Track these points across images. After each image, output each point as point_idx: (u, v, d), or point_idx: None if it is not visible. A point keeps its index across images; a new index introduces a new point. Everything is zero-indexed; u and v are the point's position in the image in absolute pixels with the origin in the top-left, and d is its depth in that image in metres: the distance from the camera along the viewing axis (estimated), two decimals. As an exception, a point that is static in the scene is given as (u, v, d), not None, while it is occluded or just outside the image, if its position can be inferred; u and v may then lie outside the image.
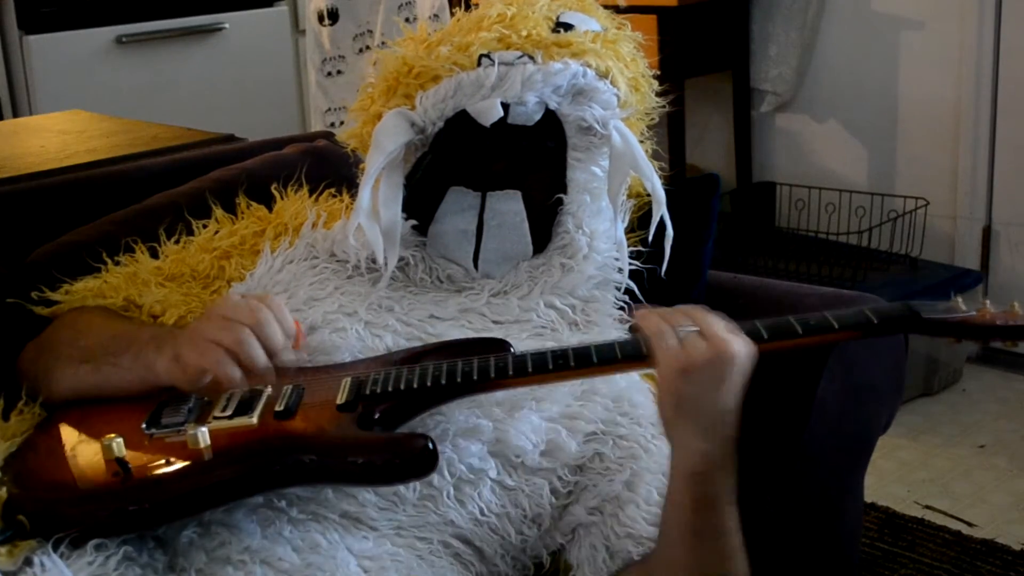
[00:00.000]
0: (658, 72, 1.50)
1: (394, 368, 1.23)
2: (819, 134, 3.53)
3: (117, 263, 1.50)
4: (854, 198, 3.33)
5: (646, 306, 1.40)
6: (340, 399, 1.20)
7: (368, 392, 1.20)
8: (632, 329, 1.17)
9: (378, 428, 1.17)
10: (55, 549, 1.10)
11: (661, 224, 1.43)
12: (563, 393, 1.30)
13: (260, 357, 1.19)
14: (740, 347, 1.12)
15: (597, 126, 1.38)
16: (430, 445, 1.12)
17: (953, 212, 3.28)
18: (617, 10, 1.53)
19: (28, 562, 1.09)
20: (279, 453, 1.16)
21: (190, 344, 1.20)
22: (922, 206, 3.21)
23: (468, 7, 1.61)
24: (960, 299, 1.20)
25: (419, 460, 1.12)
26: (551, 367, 1.18)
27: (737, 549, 1.15)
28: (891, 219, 3.22)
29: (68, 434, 1.26)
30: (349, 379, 1.23)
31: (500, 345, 1.25)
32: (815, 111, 3.53)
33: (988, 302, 1.19)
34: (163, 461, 1.16)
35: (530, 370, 1.19)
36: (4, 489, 1.16)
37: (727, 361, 1.11)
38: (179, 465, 1.15)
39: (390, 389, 1.20)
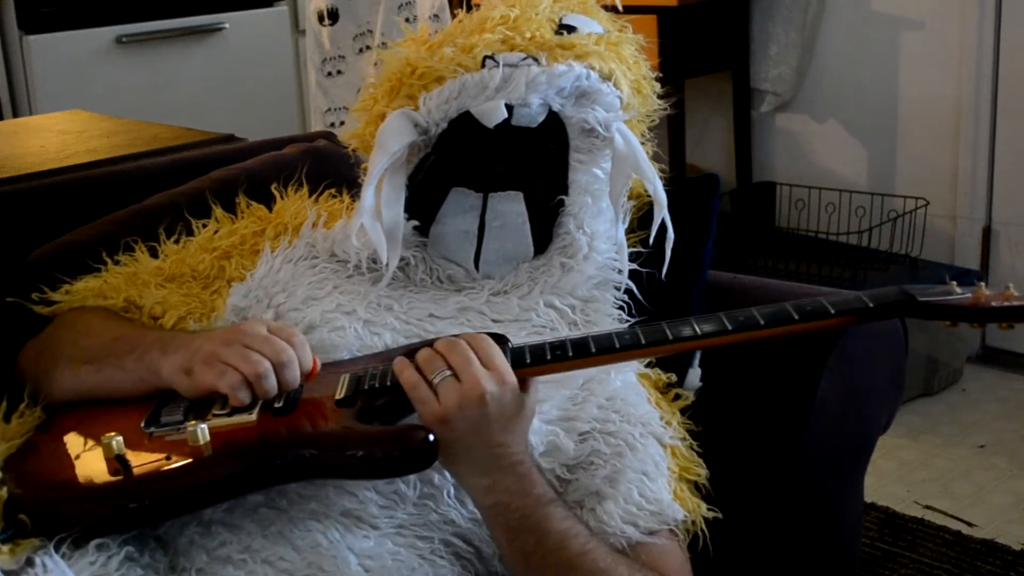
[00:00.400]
0: (658, 73, 1.50)
1: (392, 363, 1.23)
2: (819, 134, 3.53)
3: (117, 263, 1.50)
4: (854, 198, 3.33)
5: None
6: (339, 394, 1.20)
7: (367, 387, 1.20)
8: (394, 374, 1.19)
9: (377, 422, 1.18)
10: (57, 549, 1.10)
11: (661, 226, 1.43)
12: (561, 398, 1.30)
13: (274, 390, 1.20)
14: (493, 385, 1.14)
15: (600, 128, 1.38)
16: (430, 438, 1.12)
17: (953, 212, 3.28)
18: (623, 10, 1.53)
19: (30, 563, 1.09)
20: (279, 448, 1.16)
21: (206, 364, 1.20)
22: (922, 206, 3.21)
23: (468, 7, 1.61)
24: (955, 283, 1.21)
25: (419, 453, 1.12)
26: (549, 358, 1.19)
27: (577, 556, 1.15)
28: (891, 219, 3.23)
29: (68, 434, 1.26)
30: (348, 375, 1.23)
31: (498, 340, 1.26)
32: (815, 111, 3.53)
33: (983, 285, 1.20)
34: (163, 458, 1.16)
35: (528, 361, 1.20)
36: (5, 489, 1.16)
37: (477, 400, 1.13)
38: (179, 462, 1.15)
39: (388, 383, 1.20)
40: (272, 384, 1.19)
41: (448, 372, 1.14)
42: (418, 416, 1.16)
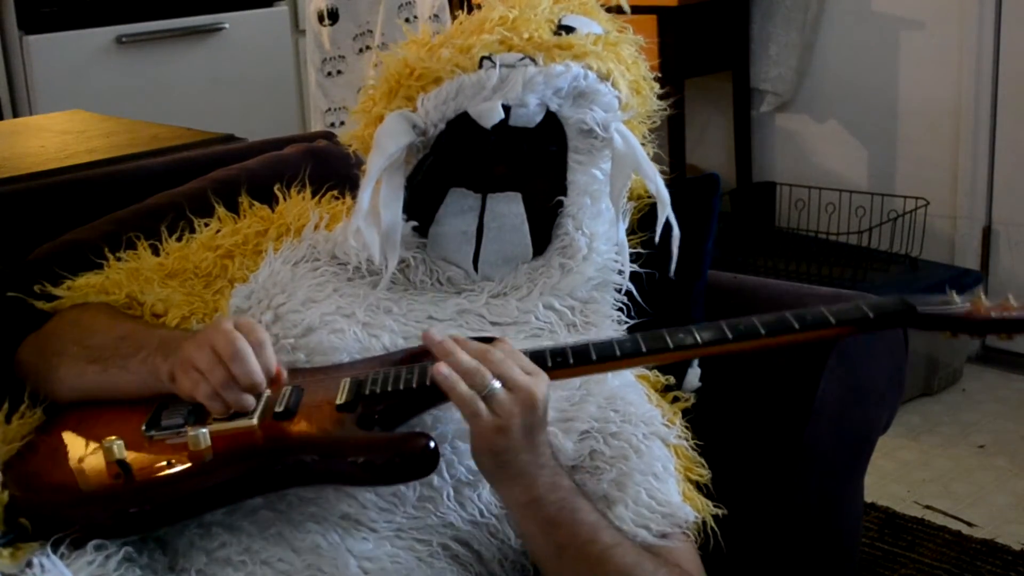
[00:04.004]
0: (658, 73, 1.50)
1: (393, 368, 1.23)
2: (819, 134, 3.53)
3: (119, 259, 1.50)
4: (854, 198, 3.33)
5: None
6: (340, 399, 1.20)
7: (368, 392, 1.20)
8: (433, 381, 1.17)
9: (378, 428, 1.17)
10: (55, 549, 1.10)
11: (666, 224, 1.42)
12: (558, 398, 1.29)
13: (244, 400, 1.18)
14: (542, 387, 1.14)
15: (598, 129, 1.38)
16: (431, 445, 1.12)
17: (953, 212, 3.28)
18: (621, 10, 1.53)
19: (28, 563, 1.09)
20: (280, 453, 1.16)
21: (182, 371, 1.20)
22: (922, 206, 3.21)
23: (468, 8, 1.61)
24: (955, 293, 1.21)
25: (420, 460, 1.12)
26: (549, 365, 1.19)
27: (608, 548, 1.15)
28: (891, 219, 3.23)
29: (68, 436, 1.27)
30: (348, 379, 1.23)
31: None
32: (815, 111, 3.53)
33: (983, 295, 1.20)
34: (164, 463, 1.16)
35: None
36: (6, 492, 1.16)
37: (535, 409, 1.13)
38: (180, 467, 1.15)
39: (389, 389, 1.20)
40: (235, 396, 1.17)
41: (496, 383, 1.13)
42: (471, 428, 1.14)
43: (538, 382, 1.14)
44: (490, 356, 1.15)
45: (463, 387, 1.13)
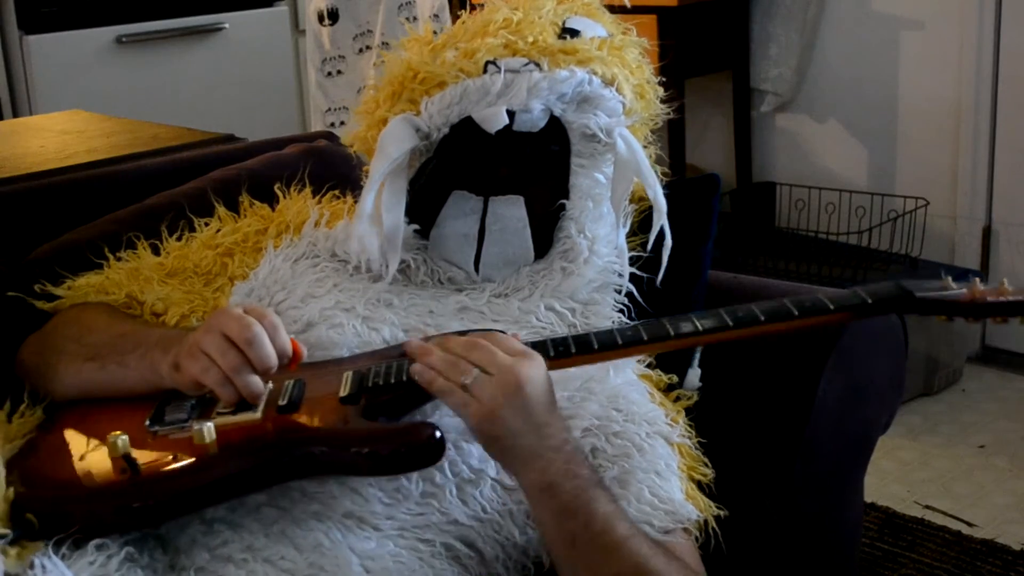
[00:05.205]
0: (662, 78, 1.50)
1: (395, 360, 1.23)
2: (819, 134, 3.53)
3: (119, 259, 1.50)
4: (854, 198, 3.33)
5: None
6: (343, 392, 1.20)
7: (370, 384, 1.20)
8: (419, 384, 1.17)
9: (382, 419, 1.18)
10: (56, 550, 1.10)
11: (661, 231, 1.43)
12: (559, 397, 1.29)
13: (255, 384, 1.18)
14: (527, 368, 1.14)
15: (601, 134, 1.38)
16: (436, 434, 1.12)
17: (953, 212, 3.28)
18: (622, 10, 1.53)
19: (30, 563, 1.09)
20: (285, 446, 1.16)
21: (190, 357, 1.19)
22: (922, 206, 3.21)
23: (468, 7, 1.61)
24: (951, 279, 1.22)
25: (425, 449, 1.12)
26: (552, 354, 1.19)
27: (622, 540, 1.14)
28: (891, 219, 3.23)
29: (72, 433, 1.26)
30: (350, 372, 1.23)
31: None
32: (815, 111, 3.53)
33: (978, 280, 1.21)
34: (170, 457, 1.16)
35: None
36: (11, 489, 1.16)
37: (519, 388, 1.13)
38: (186, 461, 1.15)
39: (392, 381, 1.20)
40: (249, 375, 1.17)
41: (476, 371, 1.13)
42: (461, 419, 1.15)
43: (522, 362, 1.14)
44: (473, 347, 1.15)
45: (441, 380, 1.15)
